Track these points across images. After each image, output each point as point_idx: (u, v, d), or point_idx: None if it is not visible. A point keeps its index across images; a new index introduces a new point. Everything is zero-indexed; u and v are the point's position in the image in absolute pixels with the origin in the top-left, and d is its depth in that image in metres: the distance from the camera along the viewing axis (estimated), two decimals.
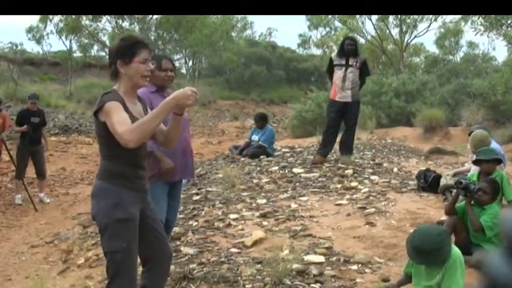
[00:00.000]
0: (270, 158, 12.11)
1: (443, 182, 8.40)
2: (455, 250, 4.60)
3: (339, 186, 9.30)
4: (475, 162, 7.01)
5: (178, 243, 6.82)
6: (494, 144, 7.80)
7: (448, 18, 39.57)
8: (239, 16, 46.81)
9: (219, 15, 36.88)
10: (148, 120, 3.66)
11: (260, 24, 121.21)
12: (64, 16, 34.56)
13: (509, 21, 18.12)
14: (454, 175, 8.32)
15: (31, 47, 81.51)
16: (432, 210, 7.77)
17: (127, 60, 3.88)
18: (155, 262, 4.25)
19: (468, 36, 54.93)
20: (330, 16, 39.89)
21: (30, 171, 12.56)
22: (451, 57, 45.91)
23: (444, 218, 6.65)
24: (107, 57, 4.12)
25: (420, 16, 35.48)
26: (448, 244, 4.53)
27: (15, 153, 12.55)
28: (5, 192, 12.87)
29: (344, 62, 10.78)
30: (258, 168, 11.10)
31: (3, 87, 27.95)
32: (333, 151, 11.38)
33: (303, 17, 48.31)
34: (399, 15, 34.99)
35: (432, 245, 4.43)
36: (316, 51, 54.07)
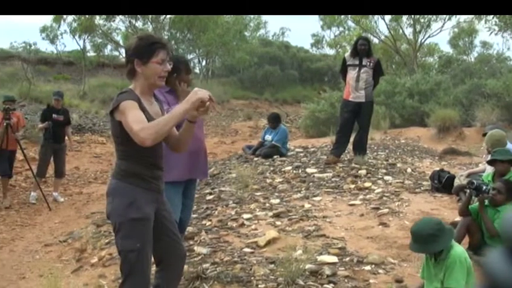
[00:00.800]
0: (284, 158, 12.10)
1: (457, 182, 8.38)
2: (458, 250, 4.61)
3: (352, 186, 9.28)
4: (490, 162, 6.98)
5: (191, 242, 6.84)
6: (508, 145, 7.77)
7: (462, 17, 39.36)
8: (252, 16, 46.83)
9: (231, 15, 36.94)
10: (164, 120, 3.67)
11: (273, 24, 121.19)
12: (78, 16, 34.70)
13: None
14: (468, 176, 8.28)
15: (45, 47, 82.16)
16: (446, 211, 7.75)
17: (144, 60, 3.86)
18: (169, 262, 4.26)
19: (482, 36, 54.74)
20: (343, 16, 39.83)
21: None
22: (465, 57, 45.66)
23: (458, 219, 6.63)
24: (124, 55, 4.09)
25: (434, 16, 35.33)
26: (445, 237, 4.55)
27: (37, 151, 12.64)
28: (19, 191, 12.93)
29: (357, 62, 10.73)
30: (272, 168, 11.10)
31: (18, 86, 28.06)
32: (346, 151, 11.36)
33: (316, 17, 48.28)
34: (412, 15, 34.88)
35: (428, 230, 4.51)
36: (330, 51, 54.03)
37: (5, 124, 11.35)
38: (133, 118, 3.64)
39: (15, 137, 11.72)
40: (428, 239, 4.49)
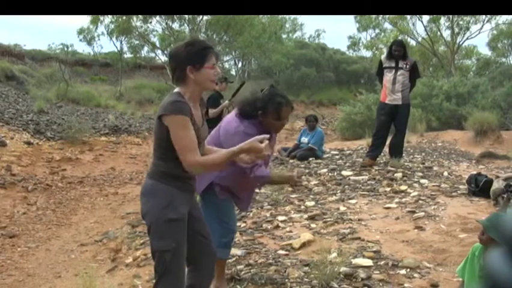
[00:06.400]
0: (319, 160, 12.09)
1: (494, 186, 8.28)
2: None
3: (388, 189, 9.23)
4: None
5: None
6: None
7: (501, 19, 38.89)
8: (287, 16, 46.84)
9: (266, 16, 37.00)
10: (216, 161, 3.89)
11: (309, 26, 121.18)
12: (115, 17, 35.03)
13: None
14: (506, 179, 8.18)
15: (82, 48, 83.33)
16: (484, 215, 7.62)
17: (197, 66, 3.83)
18: (201, 262, 4.26)
19: None
20: (380, 17, 39.69)
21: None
22: (503, 59, 45.14)
23: None
24: (171, 61, 4.04)
25: (473, 17, 34.99)
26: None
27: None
28: (56, 190, 13.02)
29: (393, 65, 10.66)
30: (307, 171, 11.08)
31: (55, 87, 28.37)
32: (382, 154, 11.30)
33: (352, 19, 48.15)
34: (451, 16, 34.58)
35: (493, 216, 4.40)
36: (366, 53, 53.88)
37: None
38: (187, 142, 3.73)
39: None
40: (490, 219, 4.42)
